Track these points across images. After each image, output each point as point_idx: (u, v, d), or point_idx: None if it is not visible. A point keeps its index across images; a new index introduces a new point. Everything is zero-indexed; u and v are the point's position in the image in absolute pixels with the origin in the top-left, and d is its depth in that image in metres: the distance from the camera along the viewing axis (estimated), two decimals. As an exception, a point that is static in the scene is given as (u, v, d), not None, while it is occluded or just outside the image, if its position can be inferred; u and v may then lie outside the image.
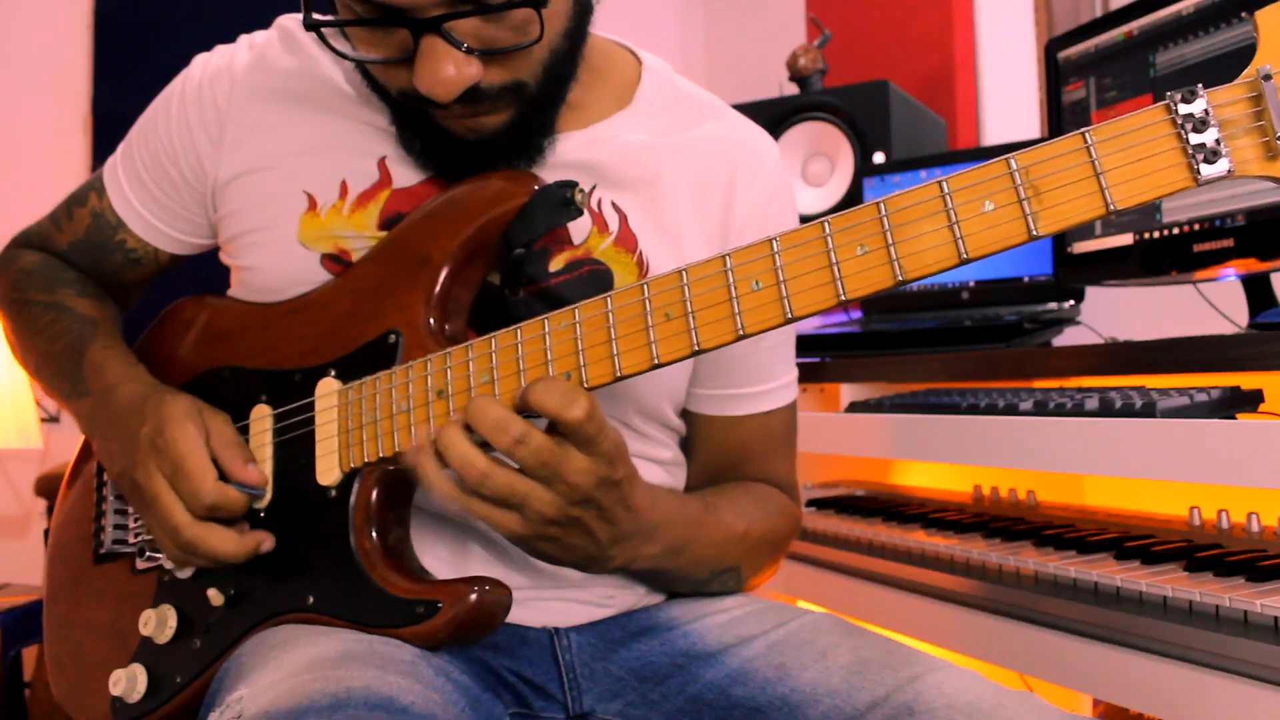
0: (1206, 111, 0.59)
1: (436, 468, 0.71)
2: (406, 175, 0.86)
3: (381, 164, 0.86)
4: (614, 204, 0.87)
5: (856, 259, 0.64)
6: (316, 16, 0.76)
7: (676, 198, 0.89)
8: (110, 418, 0.89)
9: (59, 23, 2.68)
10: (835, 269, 0.64)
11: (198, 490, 0.80)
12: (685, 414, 0.95)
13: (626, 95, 0.91)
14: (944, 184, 0.62)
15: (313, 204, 0.86)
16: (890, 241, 0.63)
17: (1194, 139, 0.58)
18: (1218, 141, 0.58)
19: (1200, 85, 0.59)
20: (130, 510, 0.96)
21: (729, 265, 0.67)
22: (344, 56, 0.77)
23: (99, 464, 0.99)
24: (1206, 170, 0.58)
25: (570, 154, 0.86)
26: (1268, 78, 0.58)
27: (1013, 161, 0.61)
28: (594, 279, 0.85)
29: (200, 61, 0.93)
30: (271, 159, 0.88)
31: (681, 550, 0.83)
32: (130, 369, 0.92)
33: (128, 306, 1.06)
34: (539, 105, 0.80)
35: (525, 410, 0.69)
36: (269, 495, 0.84)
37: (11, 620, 1.90)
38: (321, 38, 0.78)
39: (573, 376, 0.71)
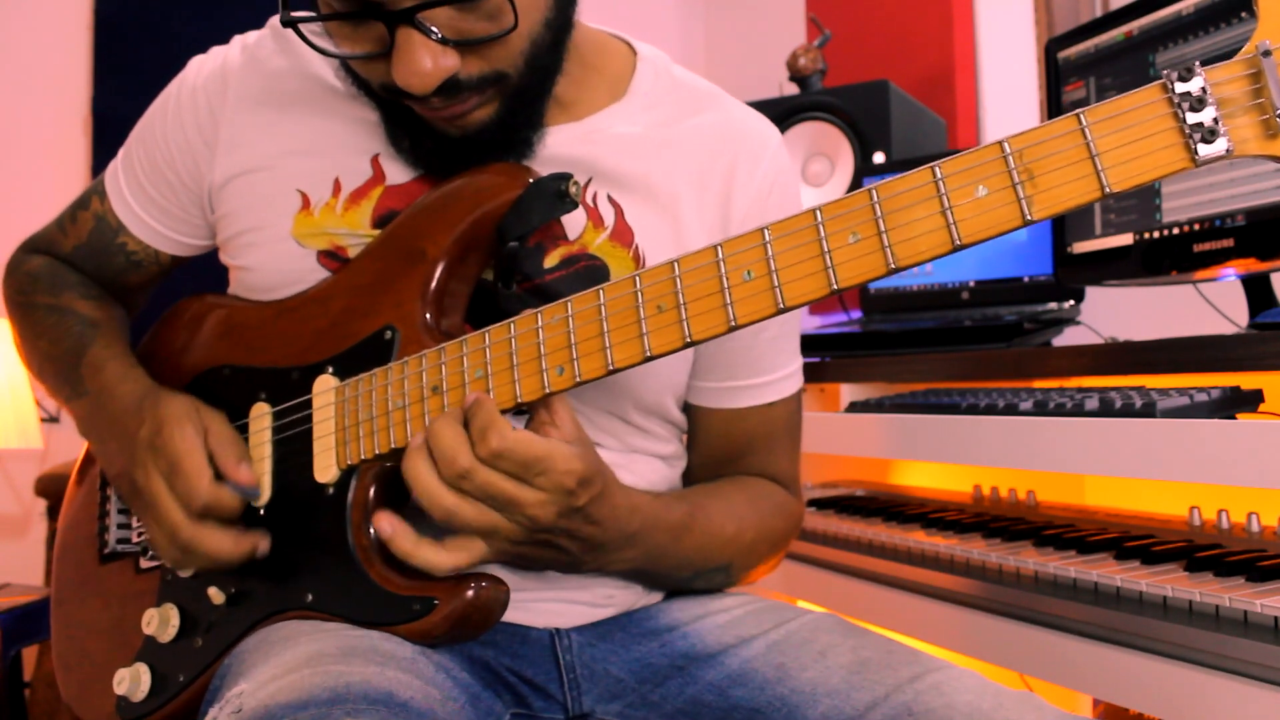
0: (1204, 89, 0.57)
1: (428, 468, 0.72)
2: (400, 172, 0.86)
3: (375, 161, 0.86)
4: (610, 197, 0.87)
5: (849, 247, 0.63)
6: (295, 14, 0.76)
7: (675, 190, 0.88)
8: (108, 419, 0.89)
9: (59, 23, 2.68)
10: (827, 257, 0.64)
11: (193, 490, 0.80)
12: (687, 407, 0.95)
13: (621, 87, 0.91)
14: (937, 169, 0.62)
15: (306, 203, 0.87)
16: (883, 229, 0.62)
17: (1191, 118, 0.57)
18: (1215, 120, 0.57)
19: (1197, 62, 0.57)
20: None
21: (721, 256, 0.66)
22: (325, 53, 0.78)
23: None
24: (1204, 150, 0.57)
25: (563, 148, 0.85)
26: (1267, 54, 0.56)
27: (1006, 145, 0.60)
28: (589, 274, 0.85)
29: (195, 64, 0.93)
30: (265, 160, 0.88)
31: (660, 556, 0.84)
32: (128, 369, 0.92)
33: (135, 309, 1.07)
34: (523, 98, 0.79)
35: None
36: (267, 494, 0.84)
37: (11, 620, 1.89)
38: (300, 34, 0.78)
39: (565, 371, 0.71)
